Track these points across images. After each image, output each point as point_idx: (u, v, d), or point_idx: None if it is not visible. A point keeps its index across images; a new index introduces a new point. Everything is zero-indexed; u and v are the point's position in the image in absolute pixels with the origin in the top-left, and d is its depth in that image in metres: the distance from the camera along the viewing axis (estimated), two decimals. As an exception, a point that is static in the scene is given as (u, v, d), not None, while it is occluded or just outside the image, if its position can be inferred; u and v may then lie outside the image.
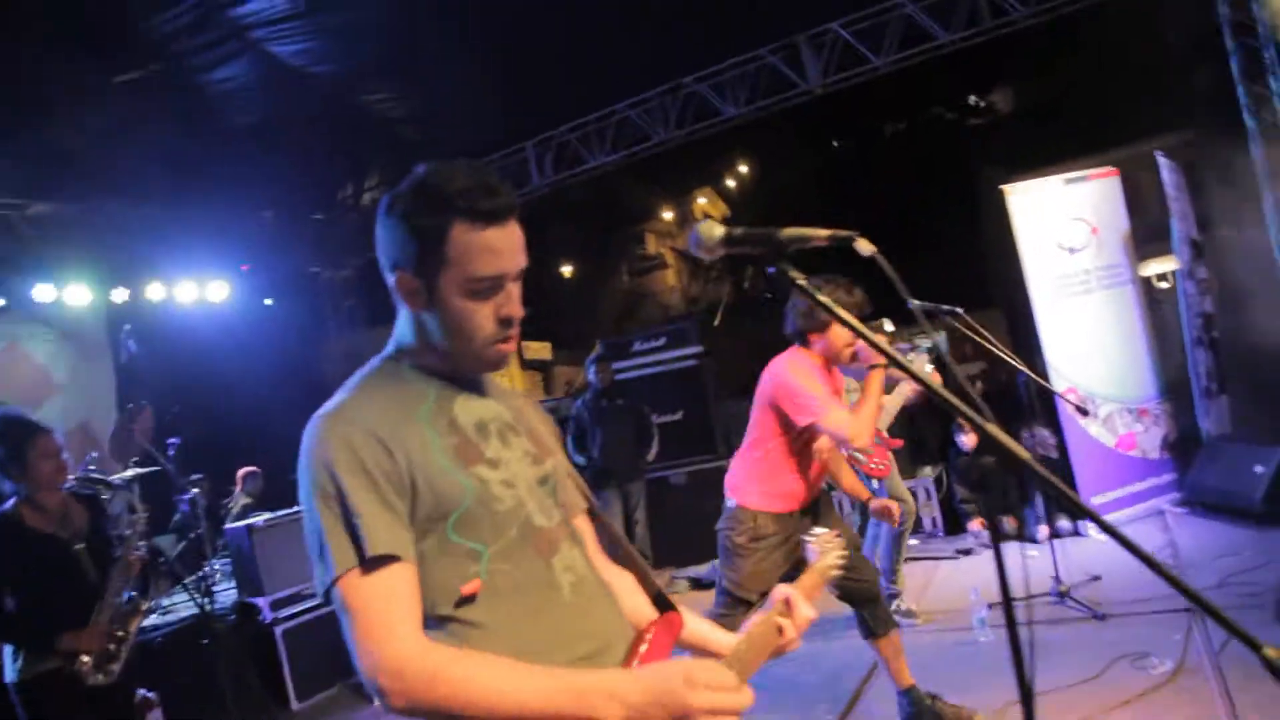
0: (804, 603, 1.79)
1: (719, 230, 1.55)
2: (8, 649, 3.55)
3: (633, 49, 8.27)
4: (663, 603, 1.66)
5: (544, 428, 1.68)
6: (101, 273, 8.89)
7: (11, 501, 3.68)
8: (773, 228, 1.55)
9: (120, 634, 3.68)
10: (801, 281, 1.56)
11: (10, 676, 3.52)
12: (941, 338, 5.43)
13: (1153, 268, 9.49)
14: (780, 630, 1.72)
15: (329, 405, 1.46)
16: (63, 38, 7.00)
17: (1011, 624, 1.58)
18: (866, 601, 3.69)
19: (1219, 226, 6.75)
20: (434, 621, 1.39)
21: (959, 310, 5.13)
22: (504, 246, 1.45)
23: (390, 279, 1.51)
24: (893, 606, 5.28)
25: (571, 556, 1.52)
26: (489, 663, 1.33)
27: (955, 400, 1.52)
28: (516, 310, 1.50)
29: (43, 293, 8.37)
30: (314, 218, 11.49)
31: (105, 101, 7.74)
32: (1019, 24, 7.41)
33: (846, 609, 3.83)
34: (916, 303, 5.33)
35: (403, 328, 1.55)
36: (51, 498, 3.71)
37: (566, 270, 22.55)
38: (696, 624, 1.74)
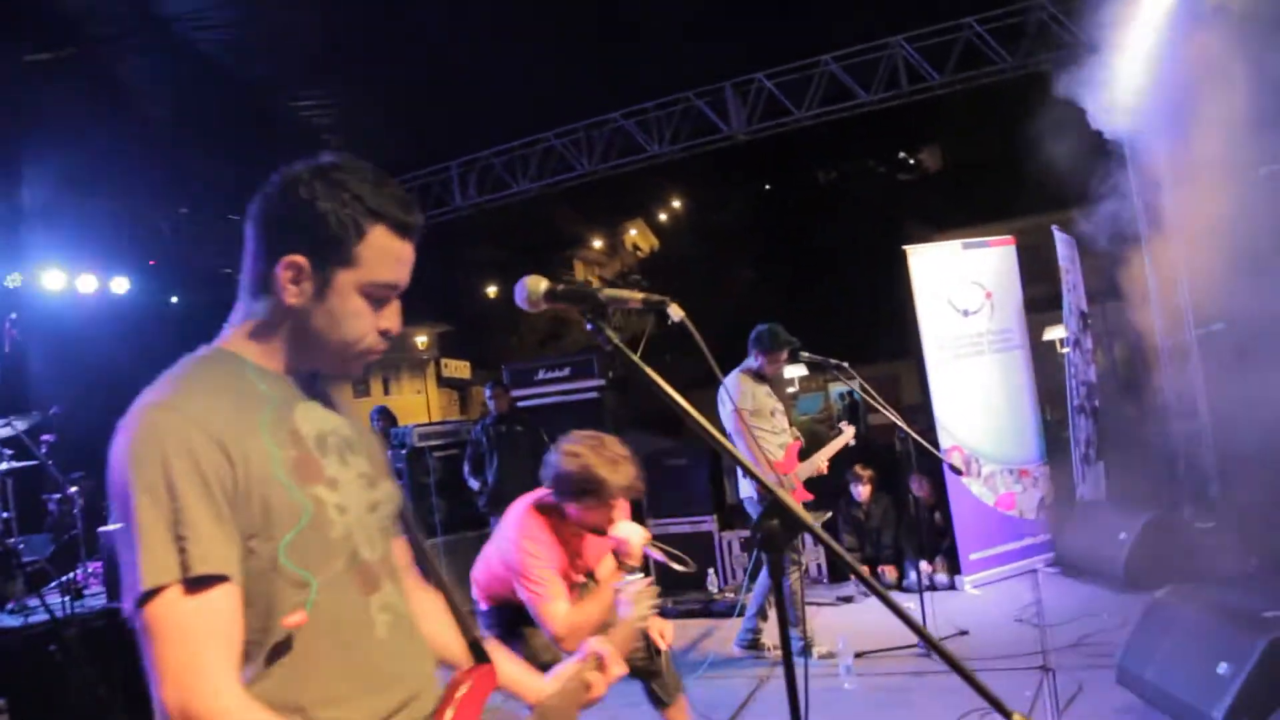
0: (616, 660, 1.84)
1: (543, 285, 1.58)
2: None
3: (563, 81, 8.37)
4: (478, 651, 1.63)
5: (378, 448, 1.60)
6: (-4, 255, 8.57)
7: None
8: (594, 288, 1.60)
9: None
10: (616, 341, 1.60)
11: None
12: (857, 384, 5.55)
13: (1051, 334, 9.90)
14: (589, 686, 1.76)
15: (159, 395, 1.30)
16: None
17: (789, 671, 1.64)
18: (649, 675, 3.39)
19: (1106, 300, 7.09)
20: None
21: (844, 364, 5.28)
22: (409, 260, 1.43)
23: (273, 262, 1.37)
24: (748, 641, 5.52)
25: (390, 594, 1.45)
26: None
27: (749, 465, 1.58)
28: (397, 326, 1.46)
29: (-73, 269, 8.03)
30: (230, 218, 11.26)
31: (15, 79, 7.52)
32: (935, 91, 7.73)
33: (709, 651, 3.86)
34: (806, 354, 5.50)
35: (256, 314, 1.42)
36: None
37: (491, 290, 22.42)
38: (510, 667, 1.74)
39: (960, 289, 6.84)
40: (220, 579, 1.22)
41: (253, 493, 1.28)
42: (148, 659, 1.21)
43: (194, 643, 1.19)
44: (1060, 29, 7.20)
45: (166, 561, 1.19)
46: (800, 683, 1.58)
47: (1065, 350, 7.62)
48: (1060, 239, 7.06)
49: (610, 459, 3.06)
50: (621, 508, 3.16)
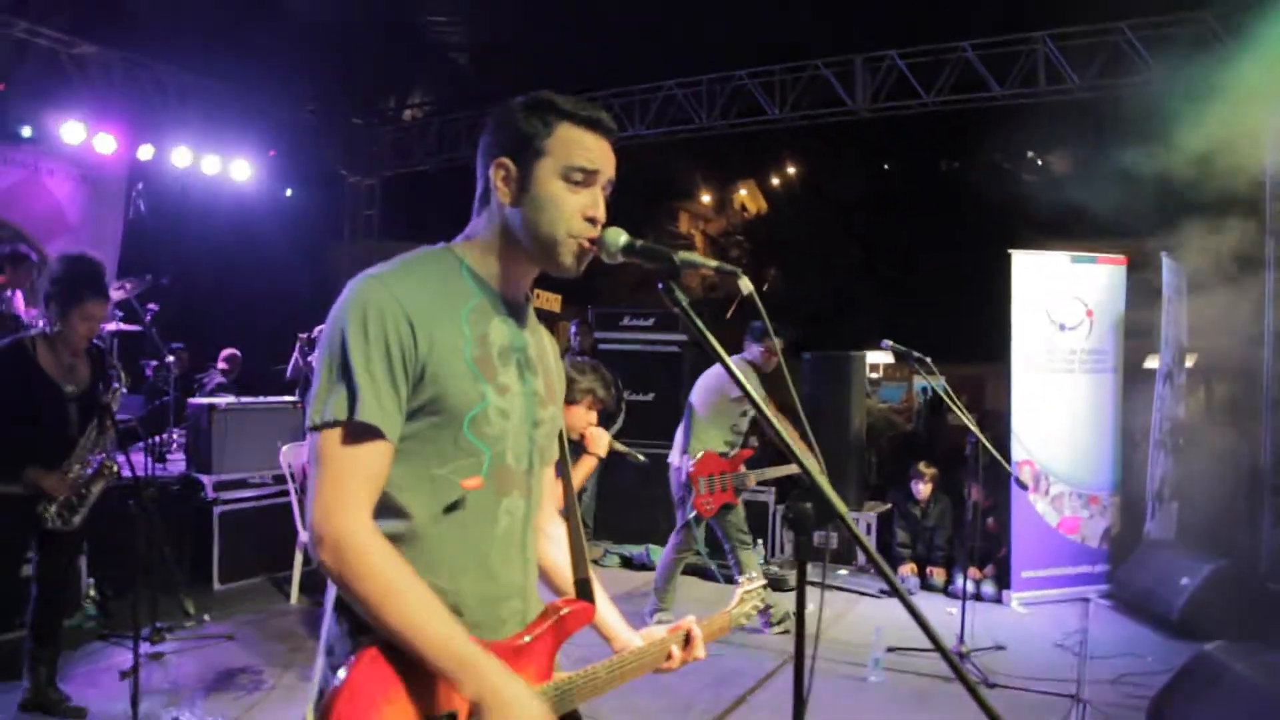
0: (701, 644, 1.93)
1: (623, 238, 1.60)
2: None
3: (692, 32, 8.28)
4: (583, 589, 1.77)
5: (557, 376, 1.76)
6: (132, 125, 8.98)
7: (32, 331, 3.85)
8: (670, 248, 1.61)
9: (84, 490, 3.86)
10: (684, 305, 1.61)
11: None
12: (940, 381, 5.46)
13: (1151, 362, 9.48)
14: (669, 656, 1.87)
15: (378, 269, 1.50)
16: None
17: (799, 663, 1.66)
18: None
19: (1211, 337, 6.77)
20: (394, 507, 1.46)
21: (927, 359, 5.18)
22: (600, 151, 1.57)
23: (488, 170, 1.57)
24: (655, 620, 5.56)
25: (516, 504, 1.59)
26: (412, 583, 1.39)
27: (796, 445, 1.59)
28: (601, 213, 1.57)
29: (71, 131, 8.46)
30: (352, 121, 11.54)
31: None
32: (1073, 93, 7.39)
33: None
34: (889, 343, 5.42)
35: (477, 226, 1.61)
36: (69, 348, 3.84)
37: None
38: (607, 611, 1.85)
39: (1061, 302, 6.61)
40: (377, 433, 1.41)
41: (432, 373, 1.45)
42: (309, 477, 1.43)
43: (343, 476, 1.40)
44: (1220, 43, 6.78)
45: (340, 404, 1.40)
46: (807, 671, 1.60)
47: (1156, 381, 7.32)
48: (1168, 266, 6.73)
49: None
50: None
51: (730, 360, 1.60)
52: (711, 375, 5.65)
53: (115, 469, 4.04)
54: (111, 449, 4.07)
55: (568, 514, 1.83)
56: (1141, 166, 6.73)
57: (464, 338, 1.50)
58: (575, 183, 1.54)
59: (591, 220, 1.56)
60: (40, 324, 3.88)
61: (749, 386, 1.57)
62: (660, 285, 1.59)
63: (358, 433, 1.40)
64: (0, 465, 3.68)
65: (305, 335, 7.80)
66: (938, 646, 1.47)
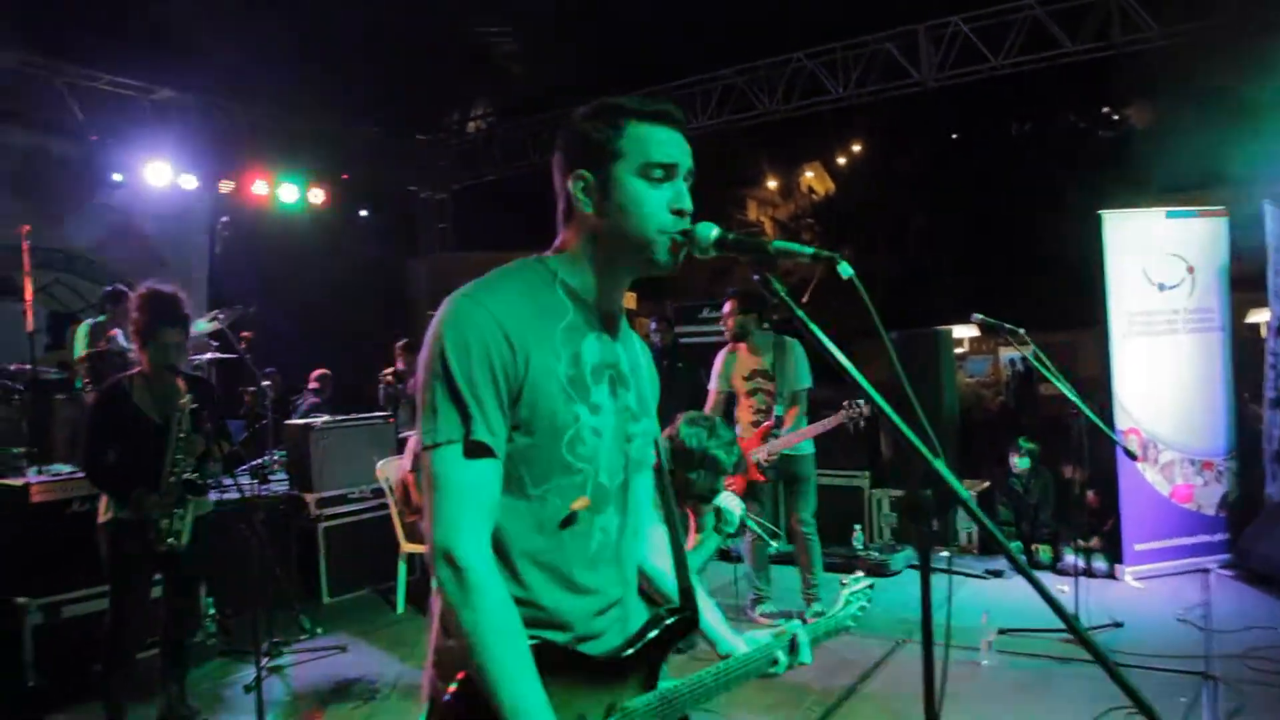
0: (808, 650, 1.90)
1: (715, 232, 1.58)
2: (102, 497, 4.01)
3: (746, 18, 8.18)
4: (687, 599, 1.75)
5: (651, 384, 1.75)
6: (212, 162, 9.32)
7: (132, 370, 4.07)
8: (764, 239, 1.58)
9: (179, 510, 3.99)
10: (783, 294, 1.59)
11: (100, 518, 3.98)
12: (1030, 351, 5.28)
13: (1255, 316, 9.04)
14: (774, 662, 1.85)
15: (471, 287, 1.50)
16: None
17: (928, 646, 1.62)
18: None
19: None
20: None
21: (1019, 329, 5.02)
22: (674, 143, 1.55)
23: (567, 185, 1.56)
24: (756, 611, 5.61)
25: (610, 521, 1.59)
26: (516, 637, 1.41)
27: (903, 426, 1.55)
28: (688, 205, 1.55)
29: (157, 174, 8.81)
30: (418, 137, 11.74)
31: (236, 2, 8.03)
32: (1152, 41, 7.07)
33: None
34: (979, 316, 5.27)
35: (566, 239, 1.59)
36: (159, 379, 4.01)
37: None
38: (712, 617, 1.84)
39: (1159, 260, 6.32)
40: (490, 452, 1.42)
41: (530, 394, 1.45)
42: (425, 497, 1.44)
43: (464, 498, 1.41)
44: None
45: (451, 424, 1.41)
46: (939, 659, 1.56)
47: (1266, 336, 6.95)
48: (1272, 213, 6.36)
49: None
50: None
51: (833, 345, 1.57)
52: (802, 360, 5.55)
53: (201, 484, 4.16)
54: (214, 470, 4.24)
55: (668, 522, 1.81)
56: (1233, 111, 6.42)
57: (558, 357, 1.49)
58: (655, 179, 1.52)
59: (679, 213, 1.54)
60: (130, 369, 4.11)
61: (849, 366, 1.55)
62: (756, 276, 1.57)
63: (472, 452, 1.41)
64: (116, 495, 3.94)
65: (389, 372, 7.98)
66: (1068, 624, 1.40)
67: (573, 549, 1.54)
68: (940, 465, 1.50)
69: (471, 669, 1.39)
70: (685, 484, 3.44)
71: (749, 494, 5.36)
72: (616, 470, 1.59)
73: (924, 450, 1.51)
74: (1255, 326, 9.14)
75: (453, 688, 1.41)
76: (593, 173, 1.53)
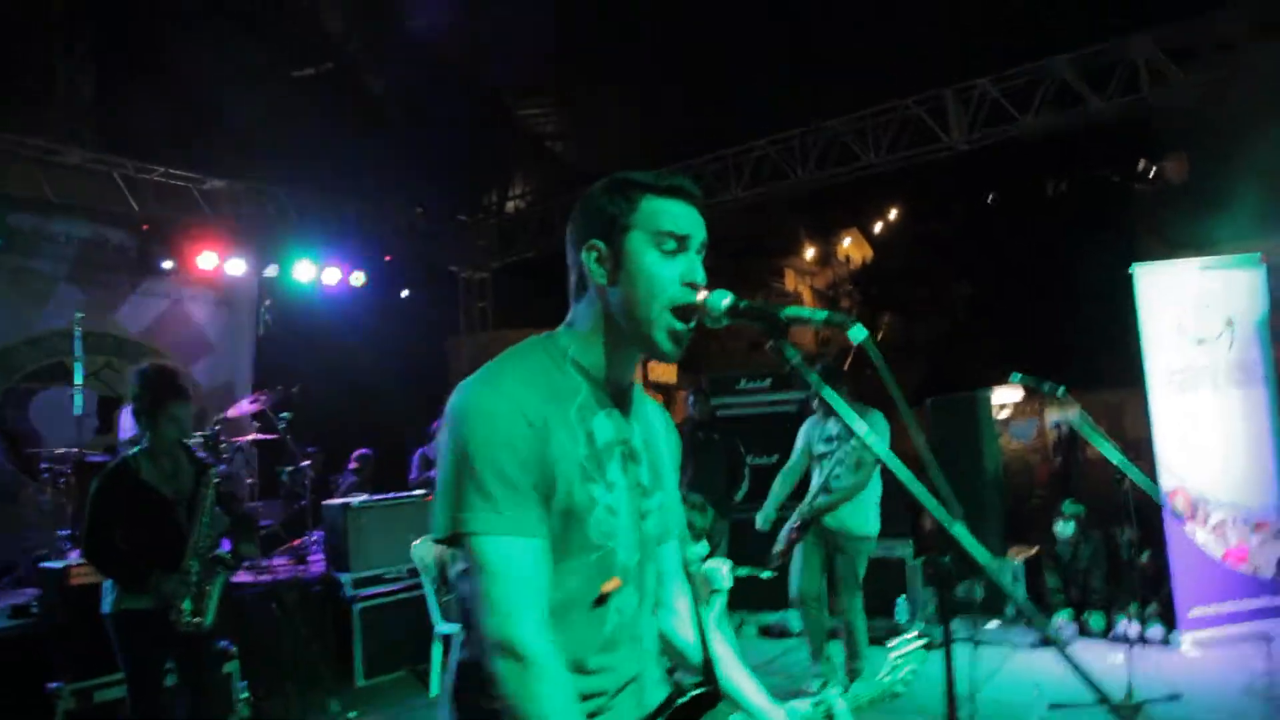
0: (846, 717, 1.83)
1: (727, 300, 1.58)
2: (107, 584, 3.89)
3: (776, 88, 8.33)
4: (708, 671, 1.72)
5: (668, 453, 1.74)
6: (258, 247, 9.61)
7: (135, 450, 4.01)
8: (775, 305, 1.58)
9: (206, 586, 3.95)
10: (795, 362, 1.57)
11: (106, 608, 3.86)
12: (1076, 413, 5.17)
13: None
14: None
15: (485, 373, 1.51)
16: (251, 28, 7.65)
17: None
18: None
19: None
20: None
21: (1061, 389, 4.91)
22: (687, 217, 1.56)
23: (580, 257, 1.57)
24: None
25: (627, 600, 1.57)
26: (573, 714, 1.40)
27: (923, 492, 1.51)
28: (700, 277, 1.55)
29: (206, 260, 9.10)
30: (458, 218, 12.02)
31: (283, 92, 8.39)
32: (1179, 95, 7.05)
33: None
34: (1018, 376, 5.18)
35: (576, 314, 1.61)
36: (168, 456, 4.00)
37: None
38: (747, 686, 1.78)
39: (1195, 314, 6.17)
40: (533, 535, 1.42)
41: (550, 477, 1.45)
42: (474, 587, 1.41)
43: (514, 585, 1.39)
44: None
45: (485, 514, 1.40)
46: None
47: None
48: None
49: None
50: None
51: (847, 410, 1.54)
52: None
53: (233, 564, 4.14)
54: (245, 550, 4.20)
55: (689, 597, 1.79)
56: (1266, 159, 6.33)
57: (574, 438, 1.49)
58: (668, 251, 1.53)
59: (690, 285, 1.53)
60: (135, 447, 4.01)
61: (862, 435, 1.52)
62: (769, 344, 1.56)
63: (510, 537, 1.41)
64: (127, 581, 3.81)
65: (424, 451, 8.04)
66: (1103, 698, 1.33)
67: (590, 630, 1.52)
68: (959, 529, 1.45)
69: None
70: None
71: None
72: (633, 547, 1.57)
73: (940, 514, 1.47)
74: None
75: None
76: (606, 244, 1.54)
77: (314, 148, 9.04)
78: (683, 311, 1.53)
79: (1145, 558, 6.24)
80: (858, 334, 1.63)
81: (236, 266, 9.39)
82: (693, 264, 1.55)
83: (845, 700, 1.84)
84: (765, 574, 4.18)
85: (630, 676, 1.58)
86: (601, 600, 1.52)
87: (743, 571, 3.78)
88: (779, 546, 5.35)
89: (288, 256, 9.89)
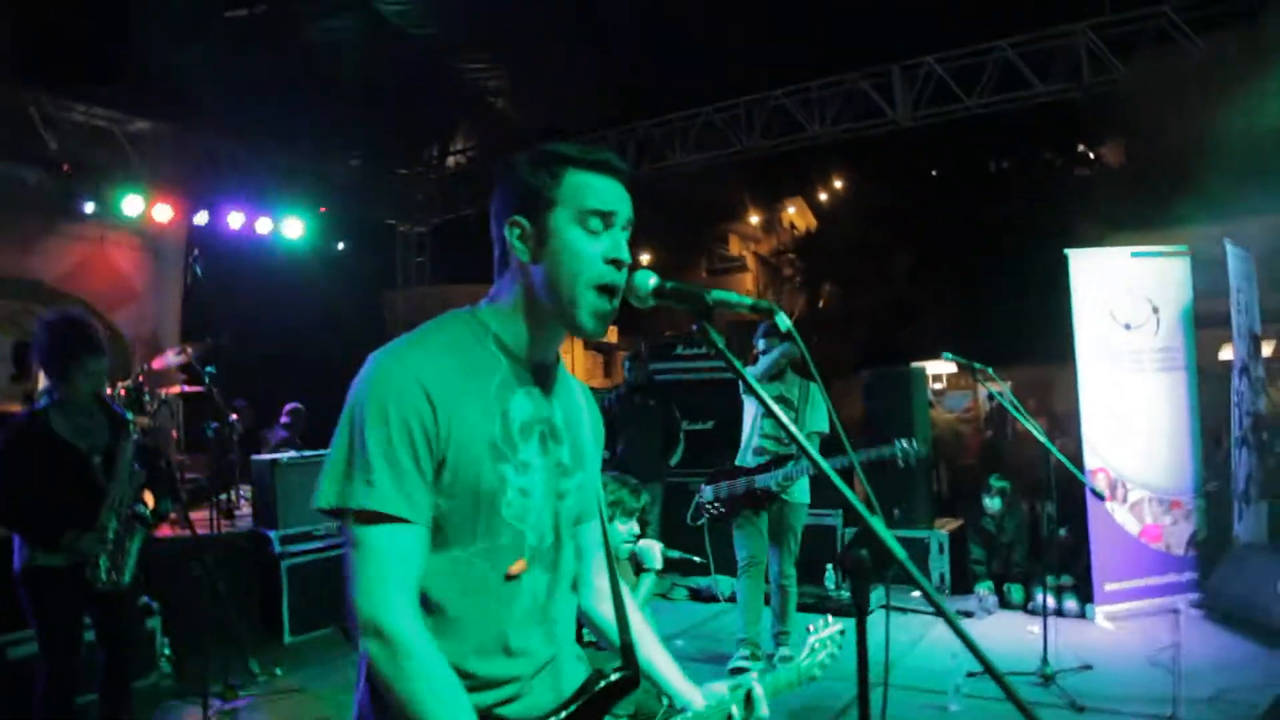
0: (764, 703, 1.83)
1: (653, 280, 1.56)
2: (16, 540, 3.72)
3: (726, 56, 8.27)
4: (627, 655, 1.71)
5: (591, 432, 1.71)
6: (187, 194, 9.28)
7: (44, 402, 3.83)
8: (702, 288, 1.56)
9: (125, 545, 3.84)
10: (720, 346, 1.56)
11: (16, 565, 3.69)
12: (1006, 387, 5.29)
13: (1227, 353, 9.10)
14: (729, 717, 1.78)
15: (394, 344, 1.48)
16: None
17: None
18: None
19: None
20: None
21: (988, 369, 5.02)
22: (613, 192, 1.52)
23: (503, 232, 1.53)
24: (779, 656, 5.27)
25: (538, 581, 1.55)
26: (456, 699, 1.37)
27: (843, 487, 1.51)
28: (624, 255, 1.51)
29: (131, 204, 8.76)
30: (397, 171, 11.76)
31: (214, 33, 8.05)
32: (1117, 84, 7.18)
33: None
34: (950, 355, 5.26)
35: (500, 289, 1.56)
36: (81, 409, 3.83)
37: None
38: (668, 669, 1.79)
39: (1124, 300, 6.36)
40: (405, 520, 1.38)
41: (454, 456, 1.42)
42: (348, 563, 1.40)
43: (382, 565, 1.37)
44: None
45: (365, 489, 1.37)
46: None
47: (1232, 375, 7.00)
48: (1233, 253, 6.42)
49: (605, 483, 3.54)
50: None
51: (767, 398, 1.54)
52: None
53: (152, 520, 4.03)
54: (171, 506, 4.09)
55: (610, 572, 1.78)
56: (1196, 152, 6.50)
57: (486, 417, 1.46)
58: (593, 229, 1.49)
59: (615, 263, 1.50)
60: (45, 397, 3.85)
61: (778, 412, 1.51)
62: (695, 327, 1.54)
63: (388, 519, 1.38)
64: (39, 538, 3.68)
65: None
66: (987, 668, 1.35)
67: (501, 611, 1.49)
68: (877, 523, 1.46)
69: None
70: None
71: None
72: (546, 529, 1.55)
73: (861, 508, 1.48)
74: (1229, 363, 9.20)
75: None
76: (530, 220, 1.50)
77: (246, 93, 8.70)
78: (608, 290, 1.50)
79: (1064, 533, 6.47)
80: (783, 321, 1.63)
81: (163, 213, 9.07)
82: (618, 241, 1.51)
83: (763, 684, 1.85)
84: (698, 559, 4.21)
85: (546, 659, 1.56)
86: (510, 582, 1.50)
87: (674, 554, 3.79)
88: (709, 508, 5.38)
89: (218, 204, 9.58)
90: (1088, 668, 5.15)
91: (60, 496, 3.71)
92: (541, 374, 1.58)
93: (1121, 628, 6.03)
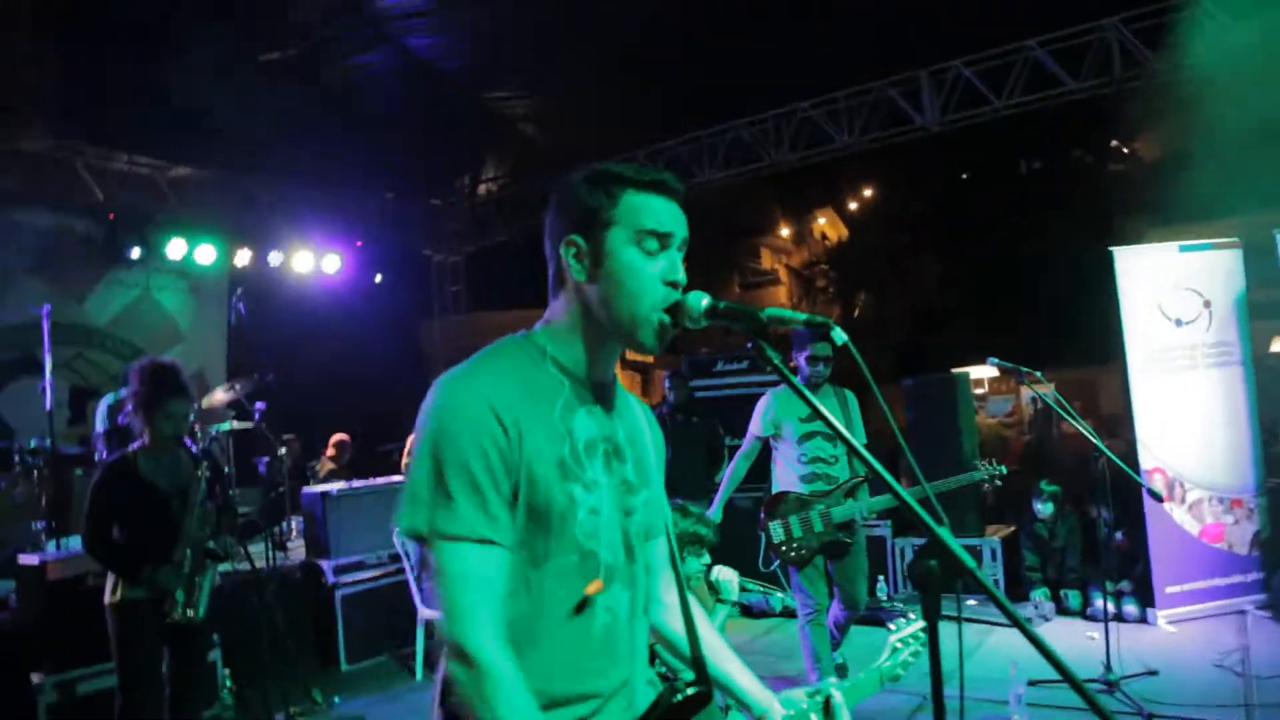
0: (844, 711, 1.81)
1: (705, 301, 1.57)
2: (110, 576, 3.94)
3: (750, 70, 8.29)
4: (699, 669, 1.71)
5: (653, 449, 1.72)
6: (228, 235, 9.49)
7: (133, 446, 4.03)
8: (755, 307, 1.57)
9: (198, 579, 3.96)
10: (776, 363, 1.57)
11: (108, 598, 3.91)
12: (1050, 390, 5.20)
13: (1277, 345, 8.92)
14: None
15: (459, 369, 1.49)
16: (217, 12, 7.48)
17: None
18: None
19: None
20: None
21: (1036, 372, 4.96)
22: (669, 213, 1.53)
23: (558, 252, 1.54)
24: None
25: (617, 598, 1.55)
26: (527, 712, 1.37)
27: (900, 492, 1.50)
28: (681, 276, 1.53)
29: (175, 248, 8.97)
30: (430, 202, 11.91)
31: (250, 78, 8.22)
32: (1152, 77, 7.10)
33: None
34: (995, 360, 5.17)
35: (555, 310, 1.58)
36: (165, 451, 4.02)
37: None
38: (744, 679, 1.77)
39: (1174, 295, 6.24)
40: (491, 541, 1.40)
41: (526, 476, 1.43)
42: (435, 589, 1.42)
43: (469, 589, 1.38)
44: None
45: (453, 514, 1.39)
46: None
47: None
48: None
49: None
50: None
51: (827, 413, 1.52)
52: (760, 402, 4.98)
53: (224, 554, 4.15)
54: (231, 540, 4.21)
55: (679, 590, 1.76)
56: (1240, 141, 6.39)
57: (551, 437, 1.47)
58: (649, 250, 1.50)
59: (672, 285, 1.51)
60: (135, 442, 4.03)
61: (842, 429, 1.50)
62: (750, 345, 1.55)
63: (471, 541, 1.39)
64: (123, 571, 3.87)
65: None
66: (1065, 675, 1.34)
67: (577, 632, 1.50)
68: (945, 534, 1.45)
69: None
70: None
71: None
72: (618, 546, 1.55)
73: (929, 520, 1.47)
74: (1278, 357, 9.01)
75: None
76: (586, 240, 1.51)
77: (281, 134, 8.88)
78: (670, 312, 1.51)
79: (1120, 536, 6.35)
80: (839, 336, 1.63)
81: (206, 254, 9.26)
82: (674, 262, 1.53)
83: (841, 690, 1.83)
84: (775, 602, 4.00)
85: (622, 680, 1.57)
86: (586, 602, 1.50)
87: (752, 586, 3.70)
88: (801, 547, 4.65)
89: (258, 244, 9.78)
90: (1153, 673, 5.03)
91: (143, 534, 3.90)
92: (602, 392, 1.59)
93: (1184, 631, 5.90)
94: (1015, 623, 1.39)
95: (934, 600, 1.55)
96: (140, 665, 3.91)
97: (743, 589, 3.62)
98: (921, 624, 2.08)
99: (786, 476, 4.83)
